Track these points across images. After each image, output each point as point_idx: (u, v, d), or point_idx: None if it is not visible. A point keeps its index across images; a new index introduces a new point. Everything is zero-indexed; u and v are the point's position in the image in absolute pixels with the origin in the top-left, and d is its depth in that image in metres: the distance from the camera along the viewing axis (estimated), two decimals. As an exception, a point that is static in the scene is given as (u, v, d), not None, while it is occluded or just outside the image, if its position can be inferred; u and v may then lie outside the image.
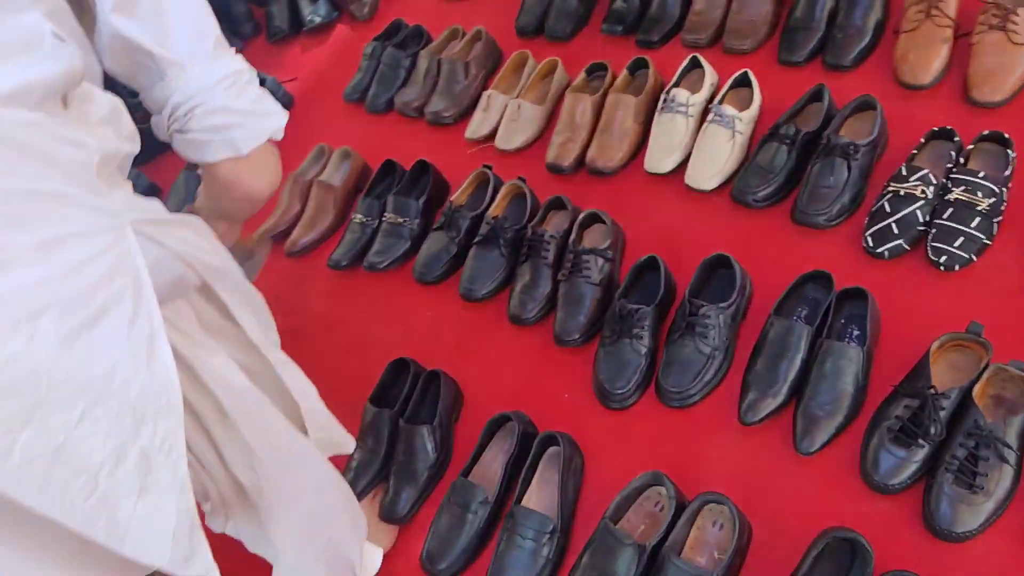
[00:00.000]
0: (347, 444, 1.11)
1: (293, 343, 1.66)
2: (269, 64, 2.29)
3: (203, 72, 0.85)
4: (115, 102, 0.80)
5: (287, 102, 2.16)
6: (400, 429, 1.34)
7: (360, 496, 1.33)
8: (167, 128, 0.92)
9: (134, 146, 0.83)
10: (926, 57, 1.43)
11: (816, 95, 1.45)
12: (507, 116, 1.75)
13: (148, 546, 0.71)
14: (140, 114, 1.03)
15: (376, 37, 2.10)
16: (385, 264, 1.63)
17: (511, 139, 1.73)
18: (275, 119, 0.92)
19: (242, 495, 0.98)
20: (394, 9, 2.24)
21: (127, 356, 0.67)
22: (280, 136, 0.96)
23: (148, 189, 2.02)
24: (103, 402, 0.65)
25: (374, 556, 1.26)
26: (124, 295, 0.68)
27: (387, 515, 1.30)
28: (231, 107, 0.88)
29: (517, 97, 1.76)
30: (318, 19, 2.29)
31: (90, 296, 0.64)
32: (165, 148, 2.21)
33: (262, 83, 2.15)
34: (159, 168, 2.05)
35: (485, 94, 1.82)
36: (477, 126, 1.79)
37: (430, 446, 1.32)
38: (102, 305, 0.65)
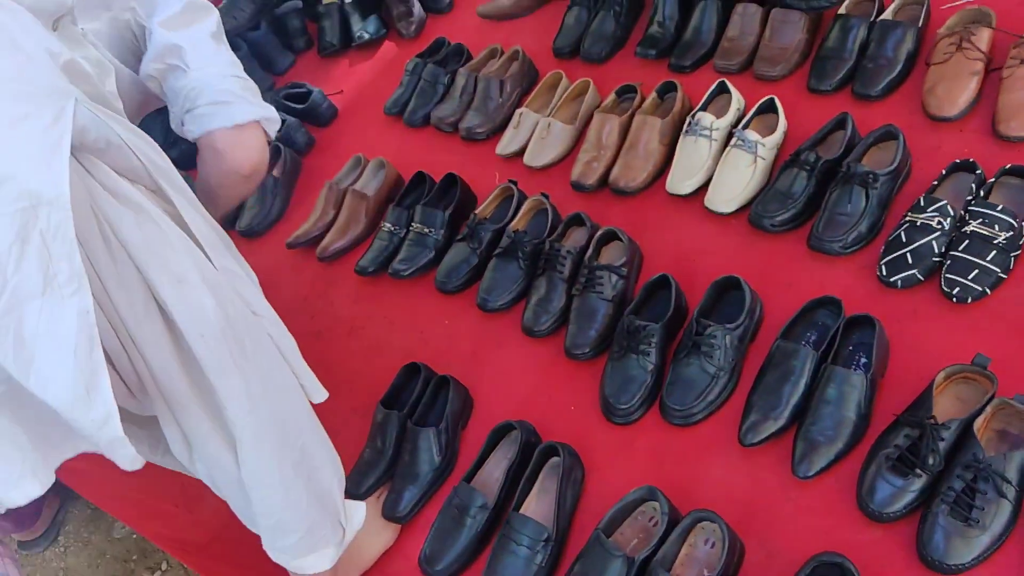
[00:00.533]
0: (315, 391, 1.13)
1: (317, 344, 1.72)
2: (319, 77, 2.38)
3: (218, 69, 1.12)
4: (106, 65, 1.01)
5: (331, 114, 2.23)
6: (407, 430, 1.37)
7: (365, 495, 1.36)
8: (181, 112, 1.14)
9: (116, 103, 1.00)
10: (954, 89, 1.42)
11: (840, 123, 1.45)
12: (537, 134, 1.79)
13: (52, 370, 0.80)
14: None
15: (419, 54, 2.17)
16: (409, 272, 1.68)
17: (539, 156, 1.77)
18: (265, 109, 1.17)
19: (189, 369, 0.96)
20: (439, 28, 2.31)
21: (34, 151, 0.80)
22: (272, 129, 1.19)
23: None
24: (8, 181, 0.78)
25: (357, 509, 1.23)
26: (45, 110, 0.82)
27: (388, 513, 1.33)
28: (234, 90, 1.14)
29: (548, 116, 1.80)
30: (367, 36, 2.37)
31: (20, 105, 0.81)
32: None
33: (309, 95, 2.23)
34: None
35: (517, 112, 1.86)
36: (508, 142, 1.84)
37: (435, 448, 1.35)
38: (24, 113, 0.81)
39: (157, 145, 1.03)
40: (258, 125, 1.18)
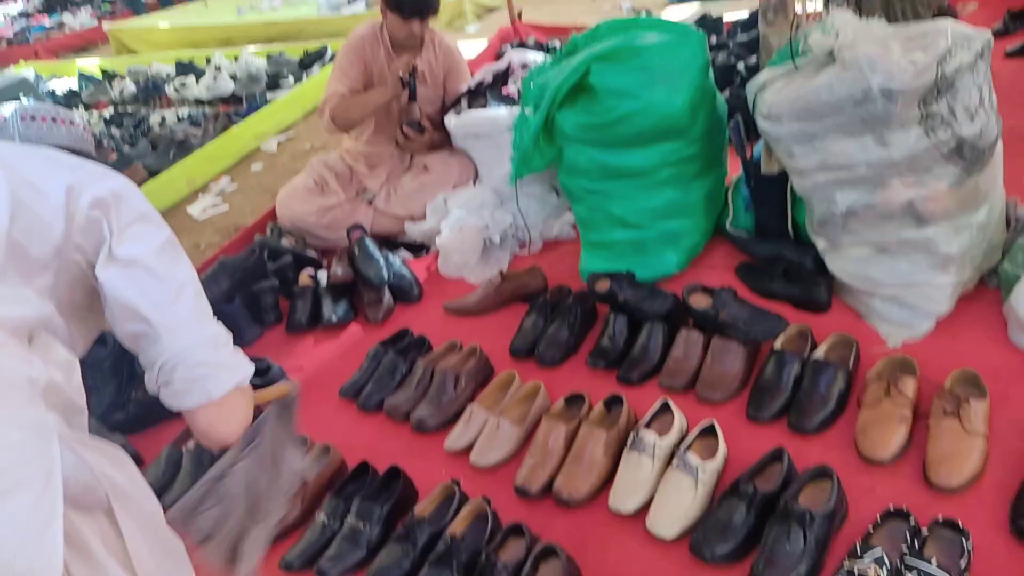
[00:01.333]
0: None
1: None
2: (283, 351, 2.43)
3: (189, 334, 1.03)
4: (72, 361, 0.96)
5: (288, 389, 2.25)
6: None
7: None
8: (154, 383, 1.07)
9: (80, 399, 0.95)
10: (885, 434, 1.48)
11: (776, 456, 1.49)
12: (486, 432, 1.81)
13: None
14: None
15: (382, 342, 2.24)
16: (336, 572, 1.58)
17: (486, 456, 1.76)
18: (241, 371, 1.09)
19: None
20: (406, 316, 2.42)
21: (22, 533, 0.74)
22: (246, 384, 1.10)
23: (132, 457, 2.05)
24: None
25: None
26: (34, 480, 0.76)
27: None
28: (208, 360, 1.05)
29: (498, 415, 1.83)
30: (335, 318, 2.47)
31: (6, 473, 0.74)
32: (155, 422, 2.24)
33: (268, 370, 2.25)
34: (146, 440, 2.09)
35: (469, 407, 1.89)
36: (456, 437, 1.84)
37: None
38: (13, 484, 0.74)
39: (120, 454, 0.97)
40: (237, 389, 1.08)
